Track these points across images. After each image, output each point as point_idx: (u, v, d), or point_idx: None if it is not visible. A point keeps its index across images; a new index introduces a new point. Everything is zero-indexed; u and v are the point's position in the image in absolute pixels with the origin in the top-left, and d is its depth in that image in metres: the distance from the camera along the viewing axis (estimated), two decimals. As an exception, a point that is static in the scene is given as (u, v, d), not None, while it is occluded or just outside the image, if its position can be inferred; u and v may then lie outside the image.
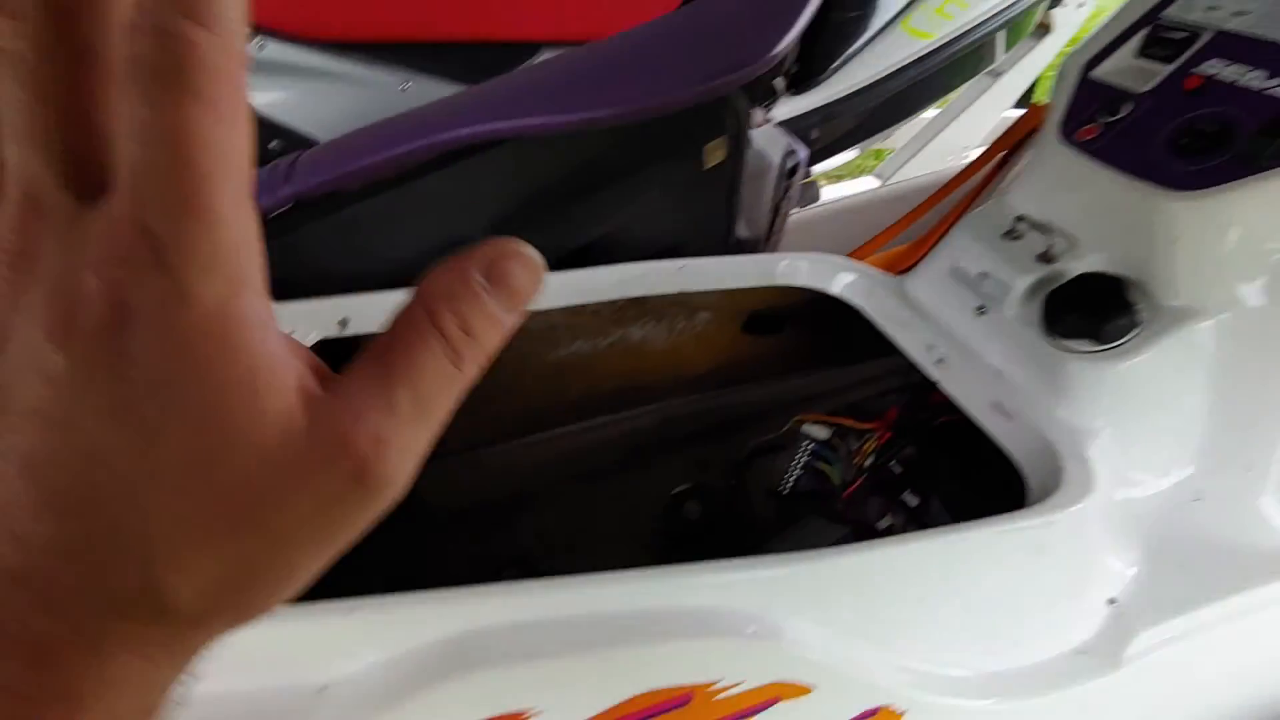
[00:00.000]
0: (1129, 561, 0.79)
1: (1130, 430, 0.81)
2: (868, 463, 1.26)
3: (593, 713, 0.59)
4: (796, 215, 1.64)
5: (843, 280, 1.04)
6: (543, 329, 1.12)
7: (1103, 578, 0.77)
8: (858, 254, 1.23)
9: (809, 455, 1.33)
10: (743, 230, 1.29)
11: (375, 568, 1.18)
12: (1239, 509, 0.82)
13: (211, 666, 0.23)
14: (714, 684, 0.62)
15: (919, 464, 1.22)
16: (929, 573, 0.70)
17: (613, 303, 1.12)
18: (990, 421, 0.86)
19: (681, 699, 0.61)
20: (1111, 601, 0.77)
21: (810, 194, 1.82)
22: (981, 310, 0.92)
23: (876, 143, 1.91)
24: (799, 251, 1.11)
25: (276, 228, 0.86)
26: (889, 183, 2.01)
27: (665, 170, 1.06)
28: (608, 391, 1.32)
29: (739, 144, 1.13)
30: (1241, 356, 0.81)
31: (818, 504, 1.34)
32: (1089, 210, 0.87)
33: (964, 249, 0.94)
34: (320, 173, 0.85)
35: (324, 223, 0.87)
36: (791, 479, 1.34)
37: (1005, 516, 0.72)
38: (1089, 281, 0.82)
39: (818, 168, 2.02)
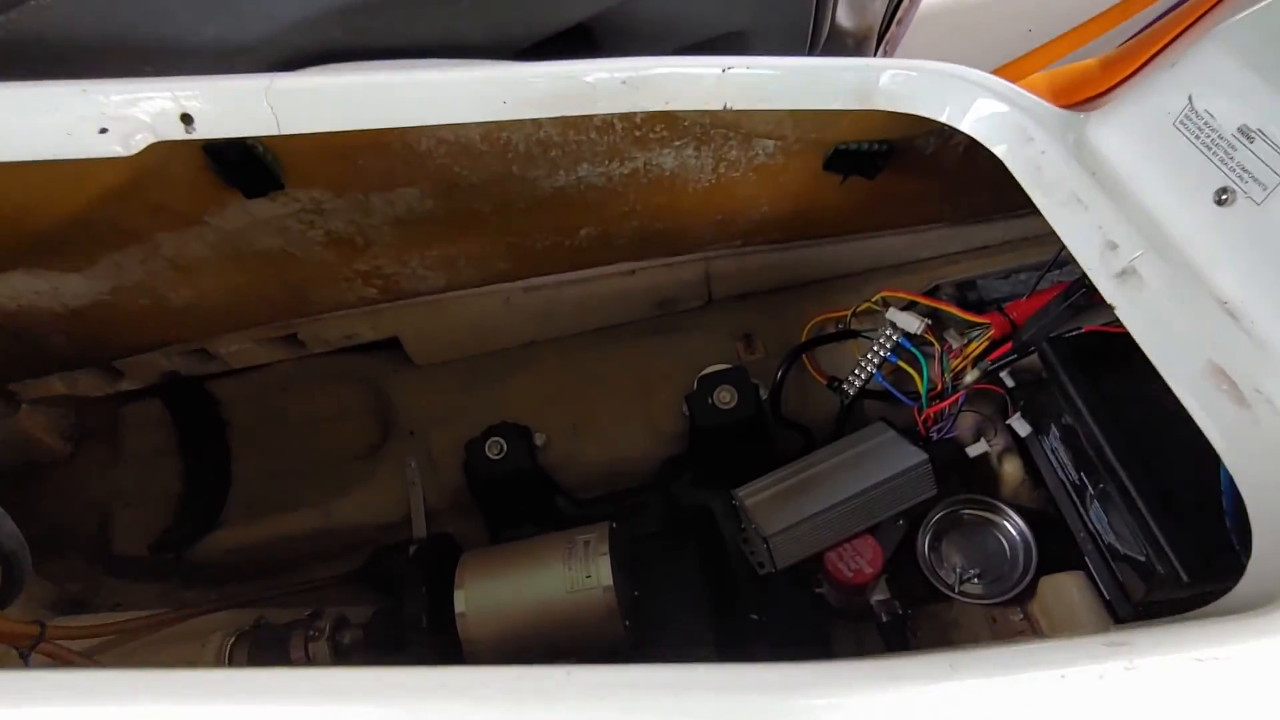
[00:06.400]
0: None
1: None
2: (969, 373, 0.92)
3: None
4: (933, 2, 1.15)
5: (980, 110, 0.64)
6: (529, 144, 0.78)
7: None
8: (1012, 70, 0.80)
9: (890, 349, 0.99)
10: (844, 17, 0.86)
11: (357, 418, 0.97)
12: None
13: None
14: None
15: (1043, 382, 0.89)
16: None
17: (629, 114, 0.76)
18: (1198, 397, 0.51)
19: None
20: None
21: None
22: (1225, 196, 0.52)
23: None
24: (923, 57, 0.71)
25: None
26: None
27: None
28: (627, 235, 0.98)
29: None
30: None
31: (892, 410, 1.02)
32: None
33: (1214, 78, 0.53)
34: None
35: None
36: (863, 374, 1.02)
37: (1196, 619, 0.40)
38: None
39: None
